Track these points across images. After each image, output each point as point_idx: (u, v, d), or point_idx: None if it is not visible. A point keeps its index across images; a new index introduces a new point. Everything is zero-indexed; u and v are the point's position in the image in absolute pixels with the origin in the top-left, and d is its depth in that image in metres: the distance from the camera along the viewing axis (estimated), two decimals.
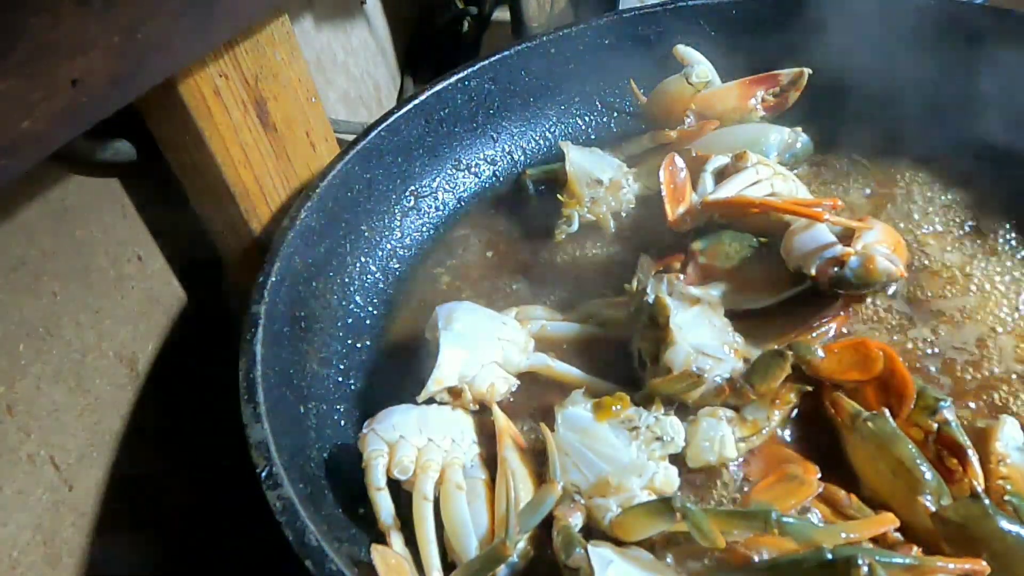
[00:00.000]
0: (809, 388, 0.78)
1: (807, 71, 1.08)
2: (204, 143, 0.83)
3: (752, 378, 0.77)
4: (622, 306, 0.89)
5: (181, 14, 0.68)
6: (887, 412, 0.72)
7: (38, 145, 0.57)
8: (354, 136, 1.01)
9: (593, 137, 1.20)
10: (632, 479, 0.69)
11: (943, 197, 1.01)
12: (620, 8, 1.37)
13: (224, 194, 0.87)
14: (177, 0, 0.67)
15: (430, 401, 0.79)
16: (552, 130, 1.21)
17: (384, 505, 0.71)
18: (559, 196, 1.04)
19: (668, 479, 0.71)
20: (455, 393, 0.80)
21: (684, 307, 0.82)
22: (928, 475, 0.67)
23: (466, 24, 1.62)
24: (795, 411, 0.79)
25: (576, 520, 0.68)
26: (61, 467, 0.74)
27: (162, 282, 0.92)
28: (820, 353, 0.77)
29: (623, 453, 0.71)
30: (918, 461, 0.68)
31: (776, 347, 0.78)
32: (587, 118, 1.22)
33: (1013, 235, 0.95)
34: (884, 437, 0.70)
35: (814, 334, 0.85)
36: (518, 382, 0.84)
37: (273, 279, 0.81)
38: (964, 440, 0.70)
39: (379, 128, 1.01)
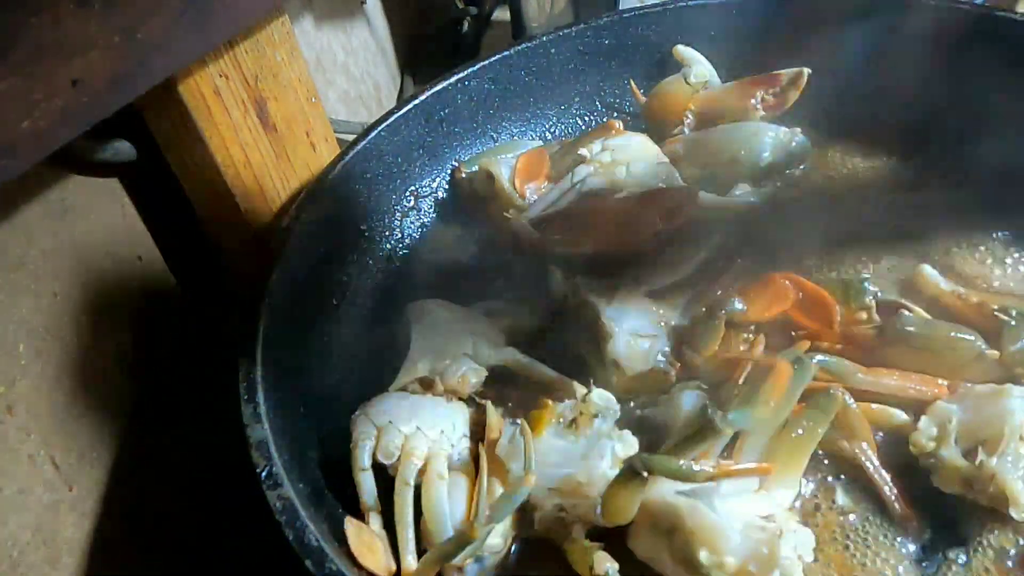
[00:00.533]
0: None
1: (807, 71, 1.08)
2: (204, 143, 0.83)
3: (696, 346, 0.81)
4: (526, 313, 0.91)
5: (181, 14, 0.68)
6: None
7: (38, 145, 0.57)
8: (354, 136, 1.01)
9: None
10: (596, 464, 0.69)
11: (941, 198, 1.01)
12: (620, 8, 1.37)
13: (224, 194, 0.87)
14: (177, 0, 0.67)
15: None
16: (552, 130, 1.20)
17: (367, 486, 0.73)
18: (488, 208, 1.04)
19: (626, 444, 0.71)
20: (426, 384, 0.81)
21: (606, 299, 0.84)
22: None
23: (466, 24, 1.62)
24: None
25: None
26: (61, 467, 0.74)
27: (162, 282, 0.92)
28: (740, 305, 0.82)
29: (575, 447, 0.71)
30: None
31: (702, 308, 0.83)
32: (587, 118, 1.22)
33: (1010, 239, 0.94)
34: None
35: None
36: (486, 373, 0.85)
37: (273, 279, 0.81)
38: (897, 299, 0.82)
39: (379, 128, 1.01)
